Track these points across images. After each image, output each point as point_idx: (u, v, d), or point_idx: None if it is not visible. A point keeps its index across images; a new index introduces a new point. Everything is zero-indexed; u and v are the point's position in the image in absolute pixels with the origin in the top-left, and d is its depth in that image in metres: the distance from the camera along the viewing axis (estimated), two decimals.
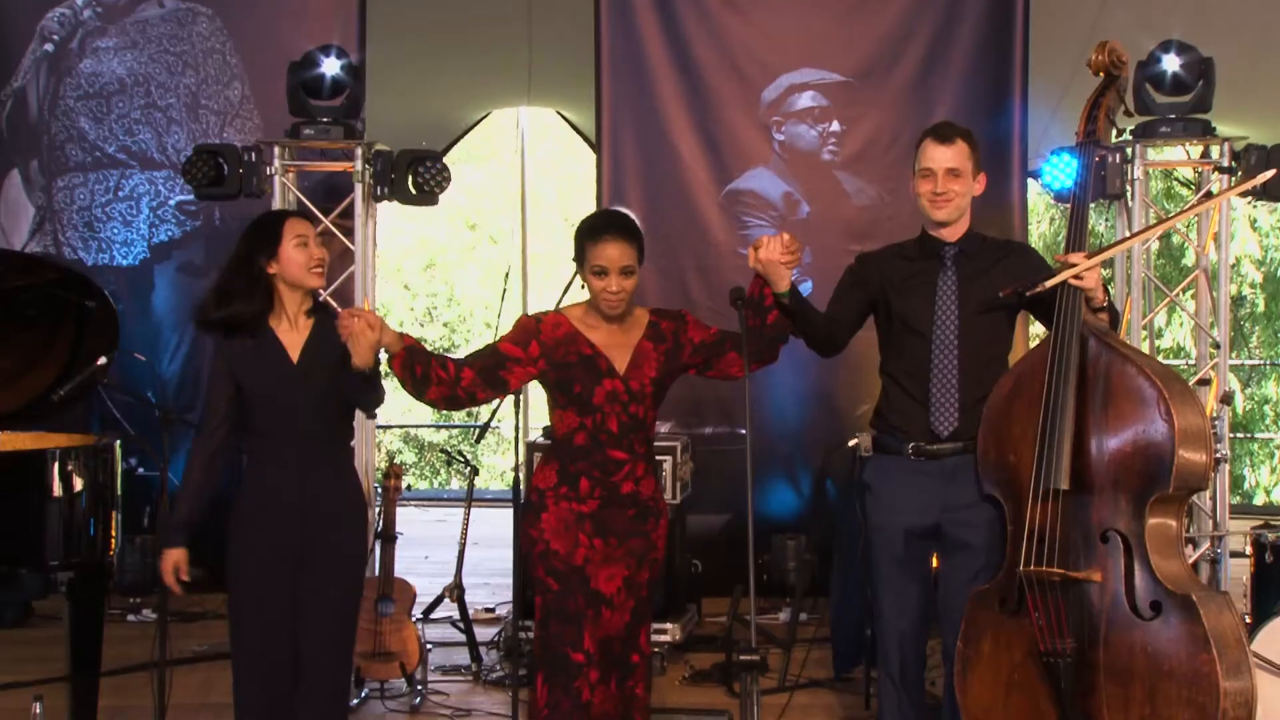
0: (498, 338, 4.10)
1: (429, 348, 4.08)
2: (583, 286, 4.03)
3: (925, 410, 4.20)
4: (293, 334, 4.11)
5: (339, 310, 4.11)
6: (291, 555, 4.07)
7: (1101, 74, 4.26)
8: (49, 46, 7.88)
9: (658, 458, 6.18)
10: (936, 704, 4.56)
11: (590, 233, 3.97)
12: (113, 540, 4.99)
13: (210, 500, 4.17)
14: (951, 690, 4.17)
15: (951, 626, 4.20)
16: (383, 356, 4.00)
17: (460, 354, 4.33)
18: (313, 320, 4.14)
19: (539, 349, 3.96)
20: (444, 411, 4.34)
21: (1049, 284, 4.03)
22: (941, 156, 4.18)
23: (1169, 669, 3.94)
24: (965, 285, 4.23)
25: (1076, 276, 3.96)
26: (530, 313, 4.04)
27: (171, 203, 7.83)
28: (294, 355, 4.09)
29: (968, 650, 4.11)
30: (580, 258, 3.98)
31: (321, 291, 7.04)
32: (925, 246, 4.30)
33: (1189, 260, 12.42)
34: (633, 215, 4.17)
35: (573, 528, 3.97)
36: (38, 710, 4.61)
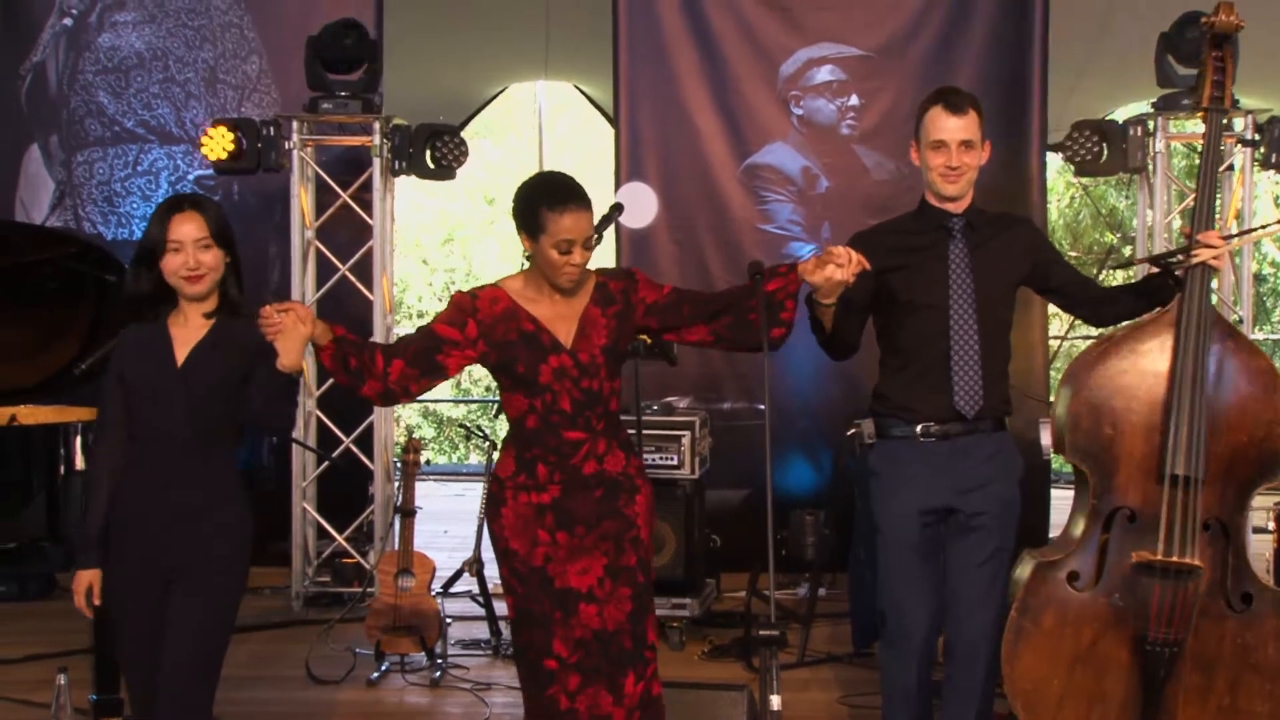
0: (432, 318, 3.75)
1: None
2: (527, 256, 3.68)
3: (943, 389, 4.00)
4: (185, 333, 3.77)
5: (270, 310, 3.54)
6: (159, 568, 3.72)
7: (1221, 36, 4.16)
8: (68, 21, 7.88)
9: (676, 433, 6.23)
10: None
11: (552, 200, 3.57)
12: None
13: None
14: (959, 681, 4.05)
15: (964, 614, 4.04)
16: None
17: None
18: (211, 323, 3.77)
19: (477, 329, 3.63)
20: (387, 404, 3.91)
21: (1194, 261, 3.96)
22: (955, 127, 3.96)
23: (1255, 662, 3.95)
24: (976, 256, 4.04)
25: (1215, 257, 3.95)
26: (465, 289, 3.74)
27: (190, 177, 7.83)
28: (180, 356, 3.74)
29: (1024, 621, 4.01)
30: (534, 225, 3.58)
31: (340, 265, 7.14)
32: (929, 219, 4.09)
33: None
34: None
35: (531, 524, 3.66)
36: (62, 682, 4.63)
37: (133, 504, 3.74)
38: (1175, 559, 3.90)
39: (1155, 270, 4.15)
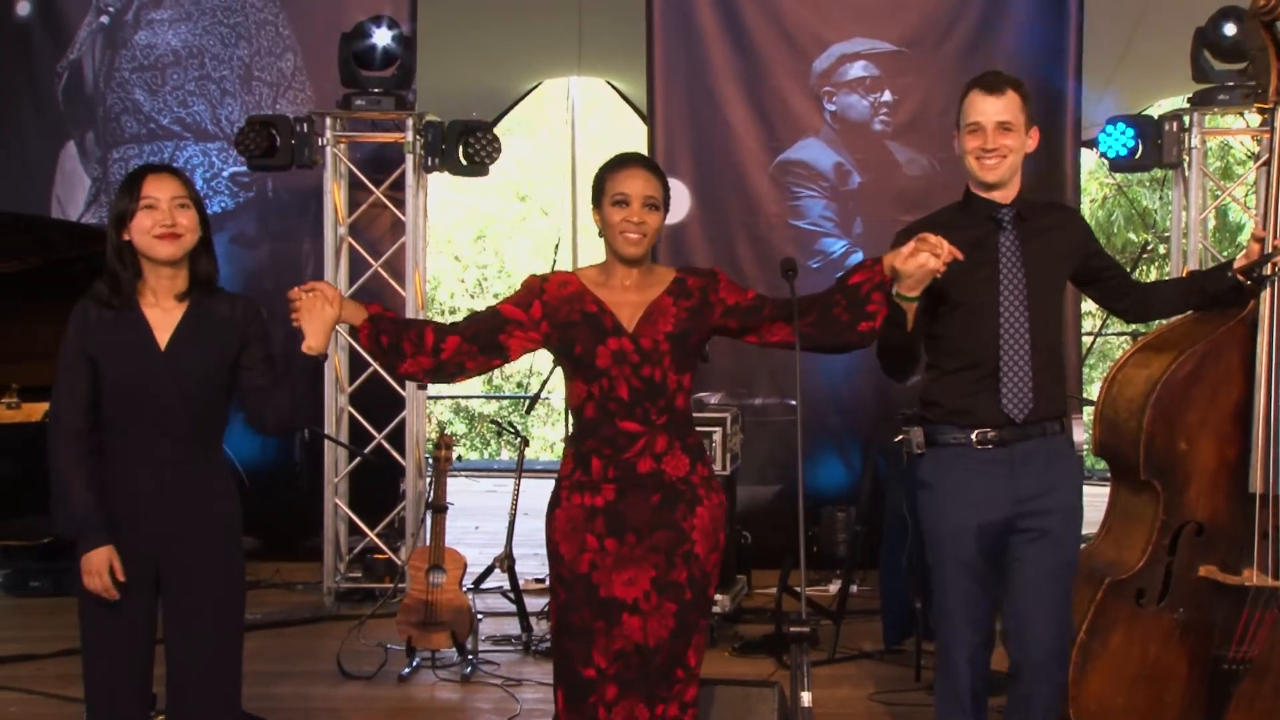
0: (500, 299, 3.65)
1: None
2: (600, 234, 3.58)
3: (993, 392, 3.73)
4: (161, 314, 3.56)
5: (296, 292, 3.44)
6: (150, 573, 3.54)
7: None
8: (105, 19, 7.93)
9: (707, 429, 6.21)
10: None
11: (612, 165, 3.56)
12: None
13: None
14: (1027, 702, 3.80)
15: (1030, 632, 3.77)
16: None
17: None
18: (187, 302, 3.57)
19: (541, 310, 3.51)
20: (438, 381, 3.67)
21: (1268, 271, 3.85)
22: (991, 109, 3.72)
23: None
24: (1026, 249, 3.77)
25: None
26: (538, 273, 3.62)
27: (225, 174, 7.88)
28: (161, 339, 3.53)
29: (1093, 643, 3.93)
30: (599, 193, 3.54)
31: (373, 261, 7.17)
32: (975, 211, 3.82)
33: (1244, 238, 12.27)
34: None
35: (581, 528, 3.50)
36: None
37: (120, 500, 3.52)
38: (1272, 582, 3.85)
39: (1193, 270, 4.09)
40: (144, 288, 3.57)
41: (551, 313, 3.52)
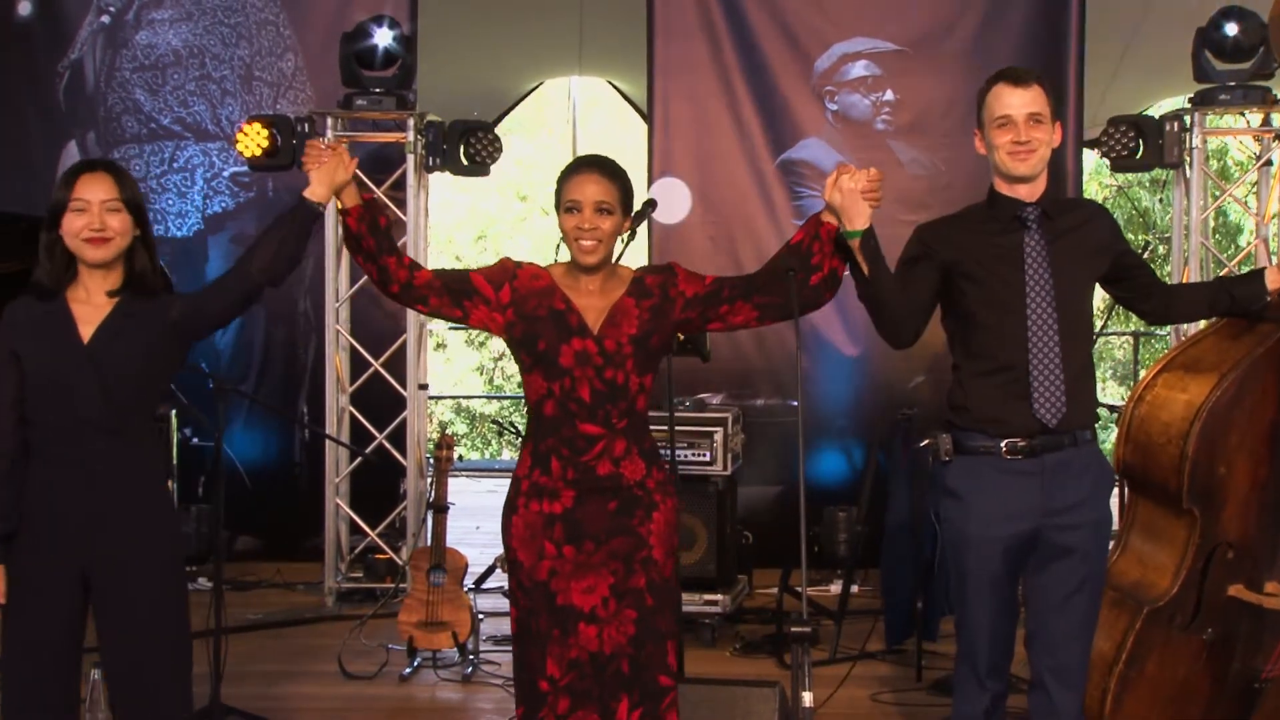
0: (475, 268, 3.63)
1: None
2: (558, 246, 3.62)
3: (1024, 398, 3.63)
4: (90, 310, 3.50)
5: (317, 142, 3.58)
6: (75, 577, 3.46)
7: None
8: (105, 19, 7.93)
9: (708, 429, 6.21)
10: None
11: (566, 172, 3.55)
12: None
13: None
14: (1052, 713, 3.73)
15: (1057, 646, 3.71)
16: None
17: None
18: (117, 300, 3.51)
19: (510, 295, 3.49)
20: (391, 299, 3.62)
21: None
22: (1020, 101, 3.64)
23: None
24: (1054, 248, 3.68)
25: None
26: (516, 258, 3.62)
27: (225, 174, 7.87)
28: (85, 333, 3.46)
29: (1130, 671, 3.89)
30: (557, 199, 3.53)
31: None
32: (1000, 209, 3.73)
33: (1244, 240, 12.28)
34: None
35: (539, 535, 3.47)
36: (95, 677, 4.65)
37: (43, 497, 3.45)
38: None
39: (1221, 276, 4.05)
40: (77, 283, 3.53)
41: (520, 301, 3.50)
